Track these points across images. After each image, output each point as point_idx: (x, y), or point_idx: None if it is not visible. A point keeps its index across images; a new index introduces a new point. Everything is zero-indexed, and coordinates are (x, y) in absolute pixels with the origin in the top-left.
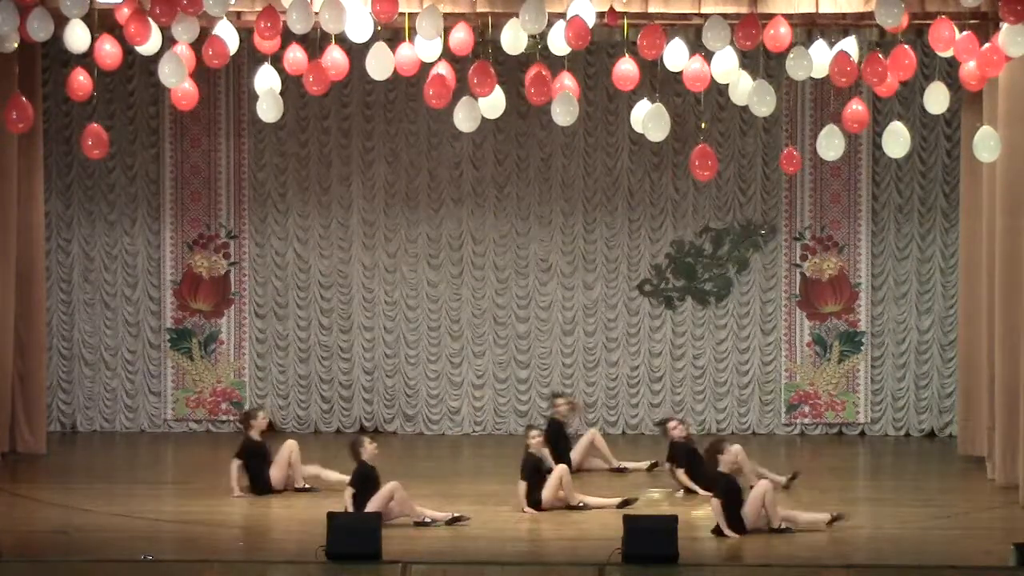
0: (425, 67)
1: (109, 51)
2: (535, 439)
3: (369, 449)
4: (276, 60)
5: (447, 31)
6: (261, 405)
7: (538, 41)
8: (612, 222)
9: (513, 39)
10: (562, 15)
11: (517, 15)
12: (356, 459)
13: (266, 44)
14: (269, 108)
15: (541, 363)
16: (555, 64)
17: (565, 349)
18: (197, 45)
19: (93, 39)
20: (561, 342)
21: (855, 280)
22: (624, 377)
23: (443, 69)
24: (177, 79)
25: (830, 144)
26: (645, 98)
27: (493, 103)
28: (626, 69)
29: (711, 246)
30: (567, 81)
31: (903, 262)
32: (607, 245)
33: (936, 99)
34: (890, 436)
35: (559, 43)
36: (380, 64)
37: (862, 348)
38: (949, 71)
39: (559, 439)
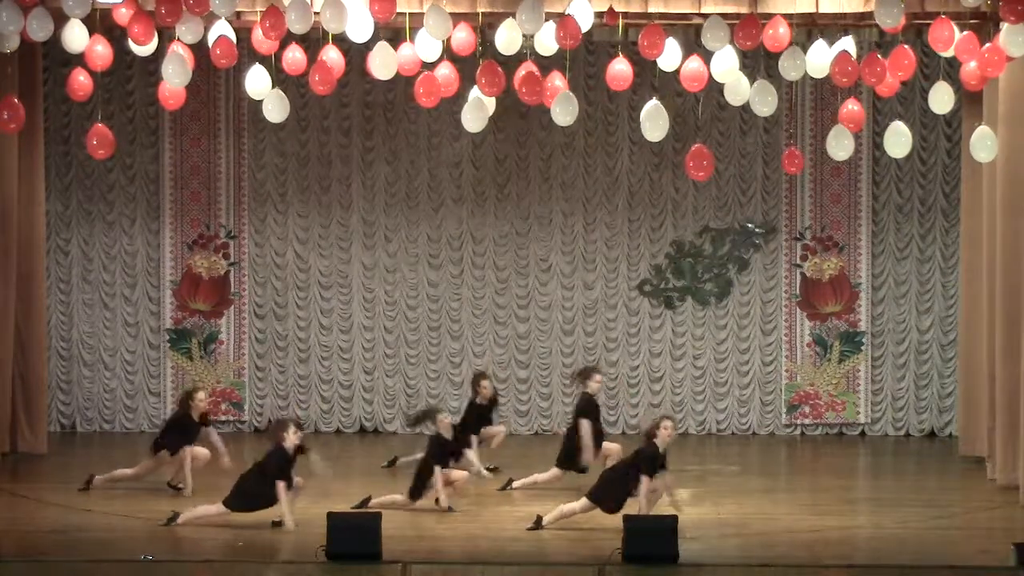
0: (426, 67)
1: (100, 52)
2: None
3: (291, 437)
4: (275, 60)
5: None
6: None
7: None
8: (612, 222)
9: (508, 39)
10: (561, 15)
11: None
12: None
13: (265, 44)
14: (275, 108)
15: (541, 363)
16: (552, 63)
17: (565, 349)
18: (193, 45)
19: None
20: (561, 342)
21: (855, 280)
22: (624, 377)
23: (446, 69)
24: (180, 79)
25: (840, 144)
26: (654, 98)
27: (486, 102)
28: (620, 69)
29: (711, 246)
30: (558, 82)
31: (903, 262)
32: (607, 245)
33: (941, 99)
34: (890, 436)
35: (548, 43)
36: (384, 64)
37: (862, 348)
38: (949, 71)
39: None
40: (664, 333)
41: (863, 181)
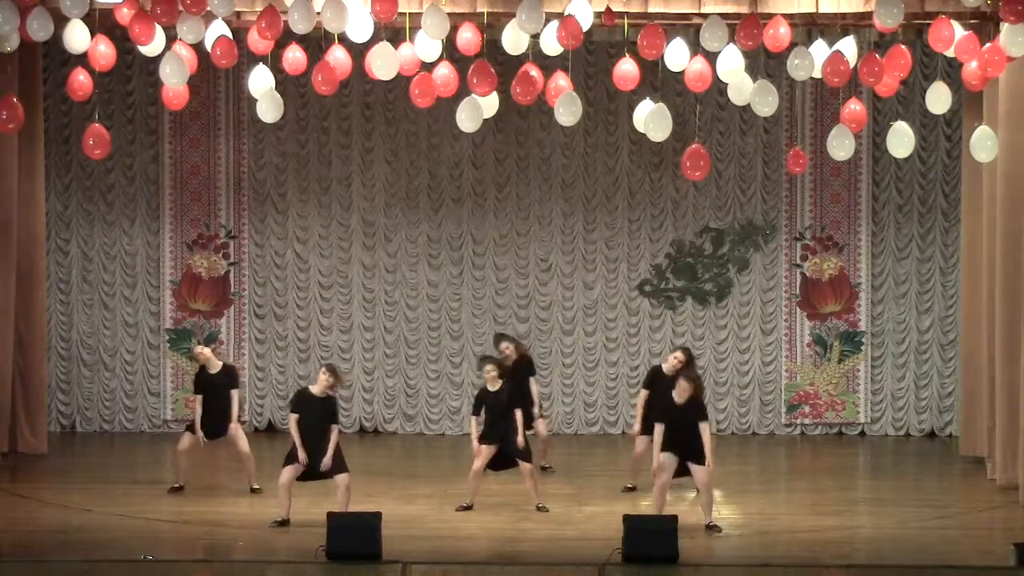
0: (426, 67)
1: (104, 52)
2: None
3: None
4: (274, 60)
5: (450, 30)
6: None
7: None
8: (612, 222)
9: (514, 39)
10: (561, 15)
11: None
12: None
13: (262, 44)
14: (268, 108)
15: (541, 363)
16: (553, 64)
17: (565, 349)
18: (194, 45)
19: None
20: (561, 342)
21: (855, 280)
22: (624, 377)
23: (445, 69)
24: (179, 79)
25: (840, 144)
26: (648, 98)
27: (487, 102)
28: (626, 69)
29: (711, 246)
30: (561, 82)
31: (903, 262)
32: (607, 245)
33: (938, 99)
34: (890, 436)
35: (553, 43)
36: (385, 64)
37: (862, 348)
38: (949, 71)
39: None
40: (664, 333)
41: (863, 181)
